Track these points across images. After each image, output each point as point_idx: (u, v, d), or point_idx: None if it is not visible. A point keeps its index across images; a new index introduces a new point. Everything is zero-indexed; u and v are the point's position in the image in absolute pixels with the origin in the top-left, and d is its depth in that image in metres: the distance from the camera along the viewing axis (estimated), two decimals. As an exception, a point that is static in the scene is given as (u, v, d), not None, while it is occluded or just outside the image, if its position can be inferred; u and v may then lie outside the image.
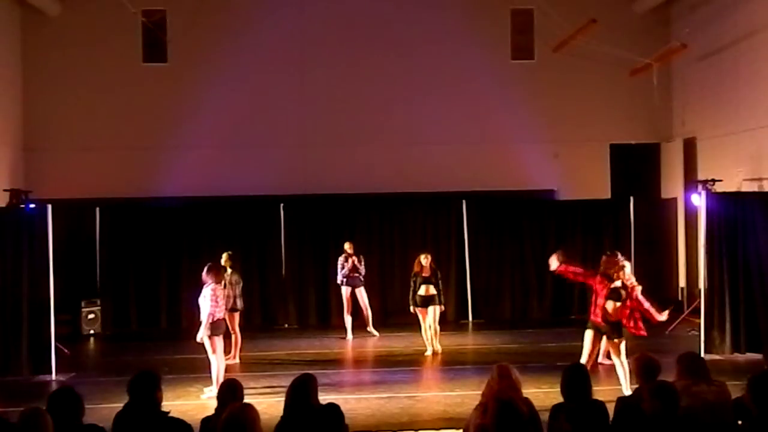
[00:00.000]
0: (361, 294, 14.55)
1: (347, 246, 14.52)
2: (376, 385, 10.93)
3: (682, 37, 15.87)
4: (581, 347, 9.81)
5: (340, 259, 14.55)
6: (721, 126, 15.96)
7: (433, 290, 12.67)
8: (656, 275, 17.20)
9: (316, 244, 16.62)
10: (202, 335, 10.12)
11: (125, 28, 16.64)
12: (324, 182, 16.99)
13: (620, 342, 9.64)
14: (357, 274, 14.45)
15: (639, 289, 9.92)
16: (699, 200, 12.95)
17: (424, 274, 12.70)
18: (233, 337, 12.32)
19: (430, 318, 12.67)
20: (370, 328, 14.66)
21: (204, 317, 10.11)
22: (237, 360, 12.39)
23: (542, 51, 17.33)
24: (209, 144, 17.06)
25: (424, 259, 12.82)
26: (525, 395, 5.82)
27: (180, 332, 15.03)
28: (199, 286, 10.44)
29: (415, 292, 12.73)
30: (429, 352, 12.76)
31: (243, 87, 17.27)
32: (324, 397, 5.72)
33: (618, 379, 9.61)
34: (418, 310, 12.76)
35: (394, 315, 14.44)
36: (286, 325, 16.34)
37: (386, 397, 10.13)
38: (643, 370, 5.94)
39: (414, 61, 17.54)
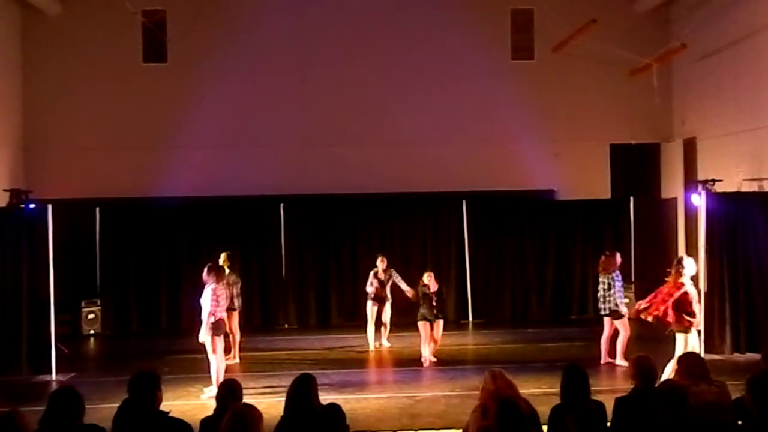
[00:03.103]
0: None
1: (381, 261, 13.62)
2: (376, 385, 10.93)
3: (682, 37, 15.84)
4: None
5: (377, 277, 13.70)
6: (721, 126, 15.95)
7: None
8: (656, 275, 17.21)
9: (316, 245, 16.63)
10: (204, 335, 10.14)
11: (125, 28, 16.65)
12: (324, 182, 16.98)
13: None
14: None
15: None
16: (699, 200, 12.94)
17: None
18: (231, 336, 12.32)
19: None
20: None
21: (205, 317, 10.13)
22: (237, 360, 12.40)
23: (542, 51, 17.34)
24: (209, 144, 17.05)
25: (428, 278, 12.34)
26: (524, 395, 5.81)
27: (180, 332, 15.02)
28: (199, 285, 10.46)
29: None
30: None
31: (243, 87, 17.27)
32: (324, 397, 5.72)
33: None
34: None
35: (394, 315, 14.38)
36: (286, 325, 16.34)
37: (386, 397, 10.14)
38: (639, 371, 5.93)
39: (414, 61, 17.53)
